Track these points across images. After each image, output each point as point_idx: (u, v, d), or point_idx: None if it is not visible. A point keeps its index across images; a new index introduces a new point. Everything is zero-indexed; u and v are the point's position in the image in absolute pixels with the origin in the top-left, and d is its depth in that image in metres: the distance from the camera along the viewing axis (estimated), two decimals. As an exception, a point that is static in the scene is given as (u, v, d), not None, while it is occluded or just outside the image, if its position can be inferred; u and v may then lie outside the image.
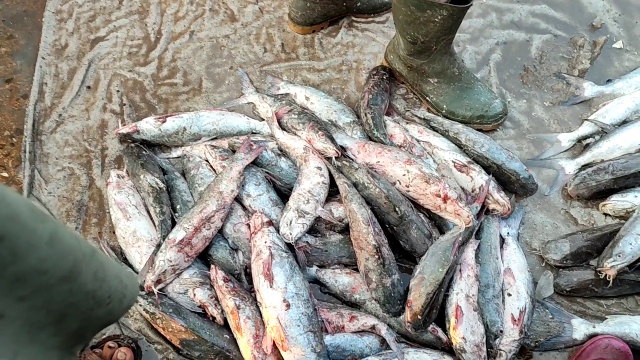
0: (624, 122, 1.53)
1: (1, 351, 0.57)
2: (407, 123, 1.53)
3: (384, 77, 1.58)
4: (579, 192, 1.45)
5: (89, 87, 1.59)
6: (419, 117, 1.55)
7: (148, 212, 1.37)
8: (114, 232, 1.37)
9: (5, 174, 1.46)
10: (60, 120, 1.54)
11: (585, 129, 1.54)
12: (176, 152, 1.50)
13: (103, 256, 0.71)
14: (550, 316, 1.31)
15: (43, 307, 0.60)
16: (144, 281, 1.25)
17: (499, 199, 1.37)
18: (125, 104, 1.57)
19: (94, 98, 1.58)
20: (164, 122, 1.46)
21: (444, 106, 1.54)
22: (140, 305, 1.25)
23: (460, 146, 1.47)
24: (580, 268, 1.36)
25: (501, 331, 1.25)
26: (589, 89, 1.60)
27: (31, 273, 0.57)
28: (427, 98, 1.56)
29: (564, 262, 1.36)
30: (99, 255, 0.69)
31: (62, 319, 0.64)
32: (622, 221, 1.40)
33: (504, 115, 1.54)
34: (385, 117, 1.51)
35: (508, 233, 1.40)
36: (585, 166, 1.49)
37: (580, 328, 1.30)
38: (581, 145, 1.54)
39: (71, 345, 0.70)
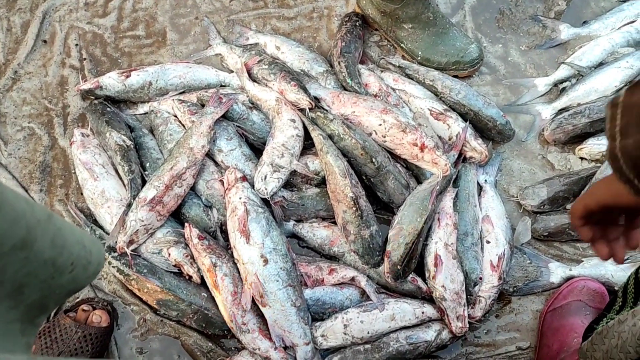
0: (600, 65, 1.51)
1: None
2: (382, 71, 1.49)
3: (357, 24, 1.52)
4: (555, 136, 1.44)
5: (44, 42, 1.50)
6: (394, 65, 1.51)
7: (116, 171, 1.32)
8: (81, 194, 1.32)
9: (-40, 137, 1.38)
10: (16, 78, 1.45)
11: (562, 72, 1.51)
12: (143, 108, 1.43)
13: (61, 221, 0.66)
14: (528, 261, 1.32)
15: None
16: (116, 242, 1.21)
17: (476, 147, 1.35)
18: (85, 59, 1.48)
19: (51, 53, 1.49)
20: (128, 76, 1.39)
21: (419, 53, 1.50)
22: (114, 266, 1.22)
23: (436, 94, 1.44)
24: (557, 213, 1.36)
25: (480, 278, 1.25)
26: (565, 31, 1.57)
27: None
28: (402, 45, 1.51)
29: (542, 207, 1.36)
30: (56, 220, 0.64)
31: (20, 290, 0.60)
32: (598, 165, 1.40)
33: (480, 61, 1.50)
34: (360, 66, 1.46)
35: (486, 180, 1.39)
36: (561, 110, 1.47)
37: (557, 272, 1.31)
38: (558, 89, 1.52)
39: (34, 317, 0.66)
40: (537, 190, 1.37)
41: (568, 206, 1.38)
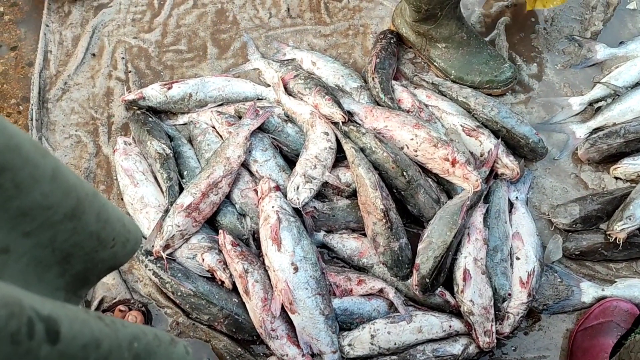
0: (637, 85, 1.50)
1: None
2: (415, 87, 1.51)
3: (392, 41, 1.55)
4: (589, 155, 1.43)
5: (93, 55, 1.58)
6: (427, 82, 1.53)
7: (155, 178, 1.37)
8: (122, 199, 1.38)
9: (12, 142, 1.46)
10: (66, 88, 1.53)
11: (597, 92, 1.51)
12: (182, 119, 1.49)
13: (105, 199, 0.71)
14: (559, 280, 1.31)
15: (48, 245, 0.60)
16: (153, 246, 1.26)
17: (508, 163, 1.36)
18: (130, 71, 1.56)
19: (99, 65, 1.57)
20: (169, 88, 1.45)
21: (453, 72, 1.52)
22: (150, 269, 1.26)
23: (469, 110, 1.45)
24: (589, 232, 1.35)
25: (509, 294, 1.25)
26: (601, 51, 1.57)
27: (35, 208, 0.56)
28: (435, 63, 1.54)
29: (574, 225, 1.35)
30: (100, 197, 0.69)
31: (67, 259, 0.65)
32: (633, 185, 1.38)
33: (513, 80, 1.51)
34: (393, 82, 1.49)
35: (517, 197, 1.39)
36: (596, 130, 1.47)
37: (588, 291, 1.30)
38: (592, 108, 1.51)
39: (77, 288, 0.70)
40: (569, 208, 1.36)
41: (602, 226, 1.36)
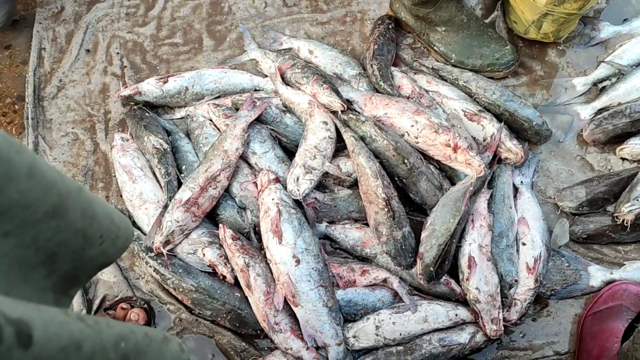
0: (642, 63, 1.47)
1: None
2: (415, 73, 1.48)
3: (390, 27, 1.52)
4: (594, 137, 1.40)
5: (88, 51, 1.56)
6: (427, 67, 1.50)
7: (154, 174, 1.35)
8: (121, 196, 1.36)
9: (9, 142, 1.45)
10: (61, 85, 1.51)
11: (601, 71, 1.48)
12: (179, 113, 1.47)
13: (91, 195, 0.68)
14: (567, 264, 1.29)
15: (31, 245, 0.59)
16: (153, 242, 1.24)
17: (512, 147, 1.33)
18: (125, 66, 1.54)
19: (93, 61, 1.55)
20: (165, 82, 1.43)
21: (453, 55, 1.49)
22: (151, 266, 1.25)
23: (470, 95, 1.42)
24: (596, 214, 1.33)
25: (516, 280, 1.23)
26: (604, 30, 1.53)
27: (13, 207, 0.54)
28: (435, 48, 1.51)
29: (580, 209, 1.32)
30: (86, 193, 0.66)
31: (53, 258, 0.63)
32: (640, 165, 1.36)
33: (515, 62, 1.48)
34: (392, 68, 1.46)
35: (522, 182, 1.36)
36: (601, 110, 1.44)
37: (597, 275, 1.28)
38: (597, 88, 1.48)
39: (67, 288, 0.69)
40: (575, 191, 1.34)
41: (608, 208, 1.34)
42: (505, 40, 1.49)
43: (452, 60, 1.49)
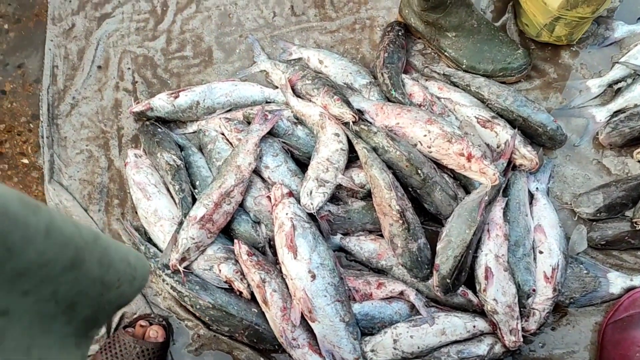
0: (658, 63, 1.44)
1: (14, 346, 0.57)
2: (426, 80, 1.47)
3: (400, 34, 1.51)
4: (611, 140, 1.38)
5: (99, 67, 1.57)
6: (438, 73, 1.49)
7: (168, 190, 1.36)
8: (136, 212, 1.37)
9: (25, 161, 1.47)
10: (74, 103, 1.52)
11: (616, 72, 1.45)
12: (192, 127, 1.47)
13: (107, 240, 0.69)
14: (585, 271, 1.28)
15: (50, 299, 0.59)
16: (169, 260, 1.25)
17: (526, 154, 1.32)
18: (137, 81, 1.54)
19: (105, 77, 1.55)
20: (177, 97, 1.44)
21: (464, 61, 1.47)
22: (167, 283, 1.26)
23: (483, 100, 1.41)
24: (615, 220, 1.31)
25: (534, 290, 1.22)
26: (619, 29, 1.50)
27: (32, 267, 0.55)
28: (446, 53, 1.49)
29: (598, 214, 1.31)
30: (102, 240, 0.67)
31: (72, 307, 0.64)
32: (659, 168, 1.34)
33: (528, 66, 1.46)
34: (403, 76, 1.45)
35: (537, 188, 1.35)
36: (617, 112, 1.41)
37: (617, 282, 1.26)
38: (612, 90, 1.46)
39: (87, 330, 0.70)
40: (592, 197, 1.32)
41: (627, 213, 1.32)
42: (517, 43, 1.48)
43: (464, 66, 1.48)
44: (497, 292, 1.18)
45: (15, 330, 0.56)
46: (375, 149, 1.29)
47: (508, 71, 1.45)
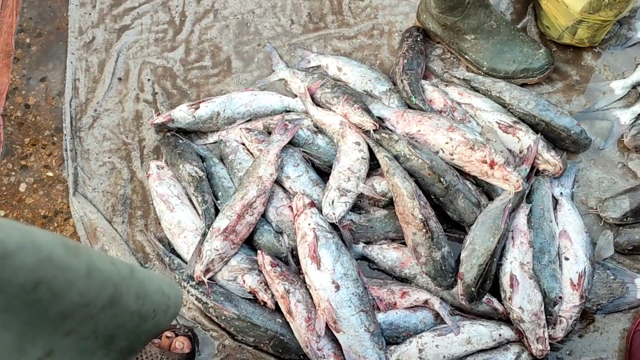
0: (684, 63, 1.42)
1: None
2: (446, 85, 1.46)
3: (418, 39, 1.50)
4: (636, 143, 1.36)
5: (120, 79, 1.58)
6: (459, 78, 1.48)
7: (190, 201, 1.37)
8: (159, 224, 1.38)
9: (50, 174, 1.49)
10: (96, 115, 1.54)
11: (640, 73, 1.43)
12: (212, 138, 1.48)
13: (142, 273, 0.70)
14: (612, 277, 1.26)
15: (90, 335, 0.61)
16: (194, 271, 1.26)
17: (550, 159, 1.30)
18: (157, 92, 1.55)
19: (126, 89, 1.57)
20: (197, 108, 1.44)
21: (485, 63, 1.46)
22: (192, 294, 1.27)
23: (504, 105, 1.40)
24: (642, 225, 1.29)
25: (560, 297, 1.20)
26: (642, 29, 1.48)
27: (74, 308, 0.56)
28: (466, 56, 1.48)
29: (624, 219, 1.29)
30: (137, 273, 0.68)
31: (111, 340, 0.65)
32: (686, 171, 1.32)
33: (550, 66, 1.44)
34: (423, 81, 1.45)
35: (561, 193, 1.33)
36: (642, 114, 1.40)
37: (644, 287, 1.25)
38: (637, 92, 1.43)
39: (124, 359, 0.71)
40: (618, 201, 1.30)
41: (654, 217, 1.30)
42: (539, 43, 1.46)
43: (484, 68, 1.46)
44: (523, 300, 1.17)
45: None
46: (396, 157, 1.28)
47: (530, 72, 1.43)
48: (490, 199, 1.30)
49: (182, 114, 1.44)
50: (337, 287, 1.17)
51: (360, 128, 1.33)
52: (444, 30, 1.48)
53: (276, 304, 1.25)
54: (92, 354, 0.63)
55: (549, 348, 1.16)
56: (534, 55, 1.44)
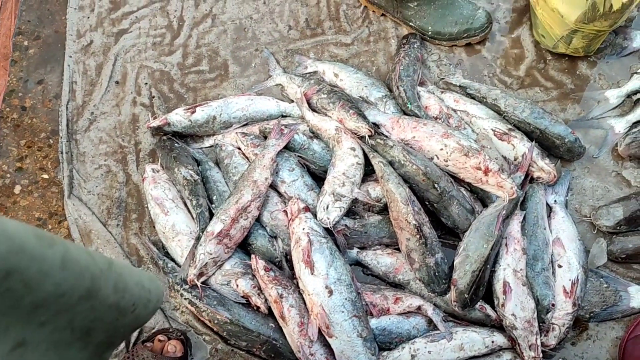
0: (678, 72, 1.43)
1: None
2: (442, 92, 1.47)
3: (415, 46, 1.51)
4: (631, 151, 1.37)
5: (117, 82, 1.59)
6: (454, 85, 1.49)
7: (185, 204, 1.37)
8: (154, 227, 1.38)
9: (45, 176, 1.49)
10: (92, 118, 1.54)
11: (635, 82, 1.44)
12: (208, 142, 1.48)
13: (121, 266, 0.70)
14: (605, 285, 1.26)
15: (66, 327, 0.60)
16: (187, 275, 1.26)
17: (544, 166, 1.31)
18: (154, 96, 1.56)
19: (123, 92, 1.57)
20: (193, 112, 1.45)
21: (429, 27, 1.53)
22: (186, 298, 1.26)
23: (499, 113, 1.40)
24: (635, 233, 1.29)
25: (553, 305, 1.20)
26: (637, 39, 1.49)
27: (49, 299, 0.56)
28: (411, 23, 1.55)
29: (618, 227, 1.29)
30: (116, 266, 0.68)
31: (88, 333, 0.65)
32: (680, 180, 1.32)
33: (489, 24, 1.52)
34: (419, 88, 1.45)
35: (555, 201, 1.33)
36: (636, 123, 1.40)
37: (637, 296, 1.25)
38: (631, 101, 1.44)
39: (101, 352, 0.71)
40: (612, 209, 1.31)
41: (648, 226, 1.30)
42: (477, 5, 1.53)
43: (429, 33, 1.54)
44: (516, 307, 1.17)
45: (32, 358, 0.57)
46: (391, 163, 1.29)
47: (471, 31, 1.51)
48: (485, 205, 1.30)
49: (178, 118, 1.45)
50: (331, 292, 1.17)
51: (355, 134, 1.34)
52: (387, 1, 1.51)
53: (269, 308, 1.25)
54: (68, 347, 0.62)
55: (541, 355, 1.16)
56: (473, 16, 1.51)
